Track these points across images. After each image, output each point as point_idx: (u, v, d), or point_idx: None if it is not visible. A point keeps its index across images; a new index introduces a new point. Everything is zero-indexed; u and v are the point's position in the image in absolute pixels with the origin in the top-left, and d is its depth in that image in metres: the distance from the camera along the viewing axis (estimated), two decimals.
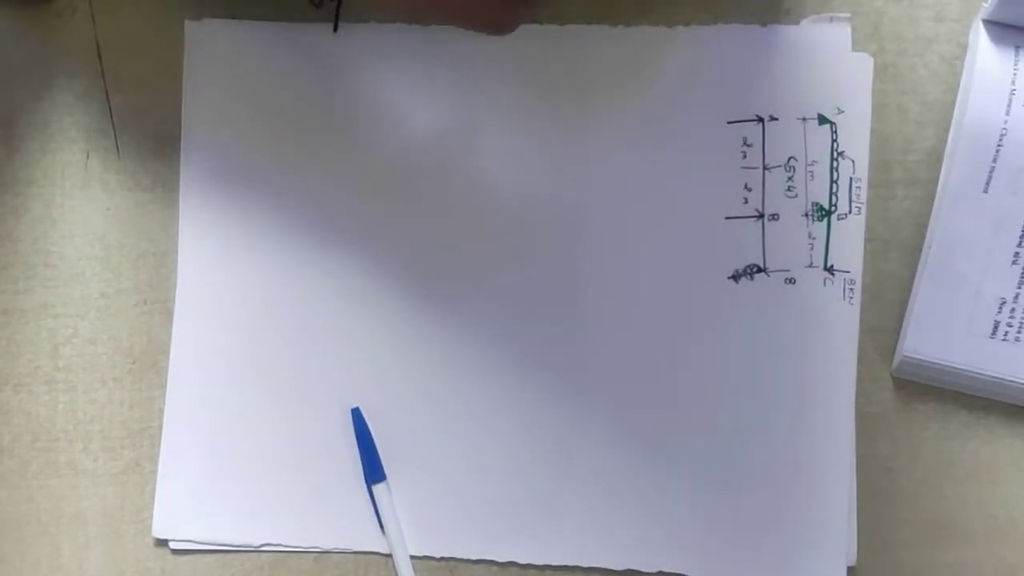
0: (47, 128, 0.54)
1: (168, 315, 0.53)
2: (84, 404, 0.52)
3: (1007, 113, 0.52)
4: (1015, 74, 0.52)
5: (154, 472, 0.52)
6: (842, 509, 0.50)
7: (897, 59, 0.54)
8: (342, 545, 0.51)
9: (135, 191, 0.54)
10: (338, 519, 0.51)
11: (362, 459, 0.51)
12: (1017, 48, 0.52)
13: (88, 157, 0.54)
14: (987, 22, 0.53)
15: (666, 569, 0.51)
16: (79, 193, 0.54)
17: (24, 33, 0.54)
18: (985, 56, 0.52)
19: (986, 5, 0.53)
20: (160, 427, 0.52)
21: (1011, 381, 0.50)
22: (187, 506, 0.51)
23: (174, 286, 0.53)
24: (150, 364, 0.53)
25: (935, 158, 0.53)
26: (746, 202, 0.53)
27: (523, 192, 0.53)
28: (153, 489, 0.52)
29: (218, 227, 0.53)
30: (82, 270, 0.53)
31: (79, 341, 0.53)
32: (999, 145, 0.52)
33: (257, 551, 0.51)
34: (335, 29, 0.50)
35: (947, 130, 0.53)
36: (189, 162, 0.53)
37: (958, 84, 0.53)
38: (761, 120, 0.53)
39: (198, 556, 0.51)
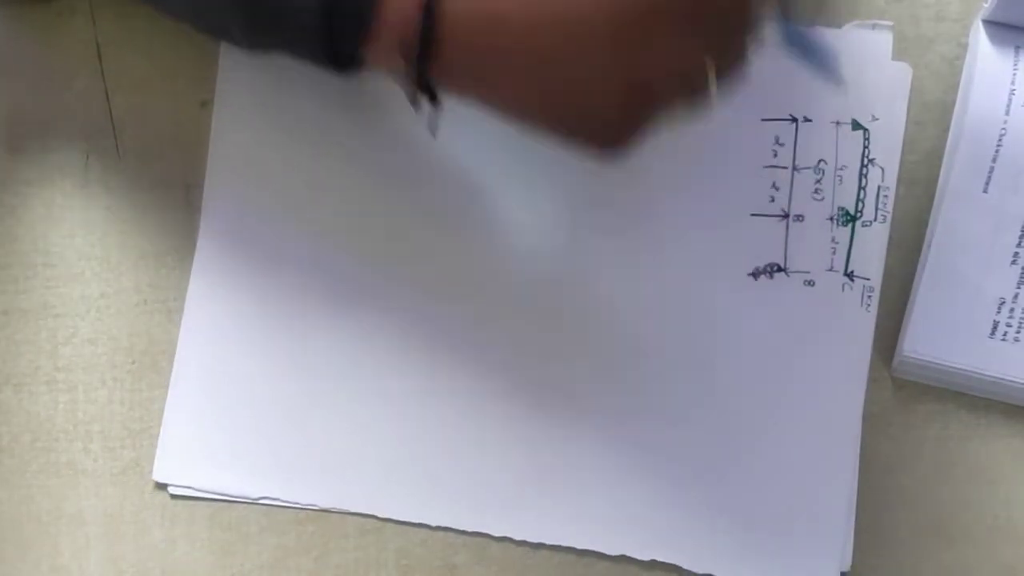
0: (47, 128, 0.54)
1: (168, 315, 0.53)
2: (84, 404, 0.52)
3: (1007, 113, 0.52)
4: (1015, 74, 0.52)
5: (153, 472, 0.52)
6: (840, 514, 0.50)
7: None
8: (341, 505, 0.51)
9: (135, 191, 0.54)
10: (338, 479, 0.51)
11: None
12: (1017, 48, 0.52)
13: (88, 157, 0.54)
14: (987, 22, 0.53)
15: (660, 559, 0.51)
16: (79, 193, 0.54)
17: (24, 33, 0.54)
18: (985, 56, 0.52)
19: (986, 5, 0.53)
20: (160, 427, 0.52)
21: (1010, 381, 0.50)
22: (189, 453, 0.52)
23: (174, 286, 0.53)
24: (150, 364, 0.53)
25: (935, 158, 0.53)
26: (772, 200, 0.53)
27: (545, 174, 0.53)
28: (153, 489, 0.52)
29: (239, 222, 0.53)
30: (82, 270, 0.53)
31: (79, 341, 0.53)
32: (999, 145, 0.52)
33: (254, 502, 0.52)
34: (434, 135, 0.47)
35: (947, 130, 0.53)
36: (216, 163, 0.54)
37: (958, 84, 0.53)
38: (795, 120, 0.53)
39: (198, 556, 0.51)
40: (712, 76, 0.41)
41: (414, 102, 0.44)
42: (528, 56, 0.41)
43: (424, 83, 0.43)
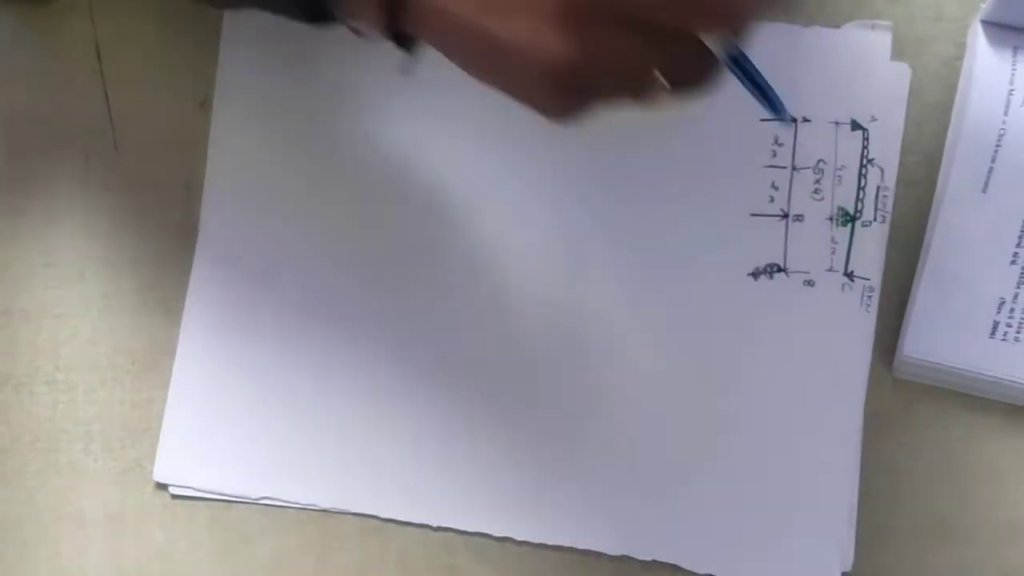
0: (47, 128, 0.54)
1: (168, 315, 0.53)
2: (84, 404, 0.52)
3: (1006, 113, 0.52)
4: (1013, 74, 0.52)
5: (153, 472, 0.52)
6: (841, 514, 0.51)
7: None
8: (341, 505, 0.51)
9: (135, 191, 0.54)
10: (339, 479, 0.51)
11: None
12: (1015, 48, 0.53)
13: (88, 157, 0.54)
14: (985, 23, 0.53)
15: (661, 559, 0.51)
16: (79, 193, 0.54)
17: (24, 33, 0.54)
18: (984, 56, 0.53)
19: (984, 5, 0.53)
20: (160, 427, 0.52)
21: (1011, 381, 0.50)
22: (190, 453, 0.52)
23: (174, 286, 0.53)
24: (150, 364, 0.52)
25: (935, 158, 0.53)
26: (772, 201, 0.53)
27: (545, 173, 0.53)
28: (154, 489, 0.52)
29: (239, 222, 0.53)
30: (82, 270, 0.53)
31: (79, 341, 0.53)
32: (998, 145, 0.52)
33: (255, 503, 0.52)
34: (407, 75, 0.46)
35: (946, 130, 0.53)
36: (216, 163, 0.54)
37: (957, 84, 0.54)
38: (794, 120, 0.53)
39: (198, 556, 0.51)
40: (661, 81, 0.39)
41: (398, 52, 0.43)
42: (473, 37, 0.40)
43: (396, 34, 0.42)
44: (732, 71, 0.41)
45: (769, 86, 0.41)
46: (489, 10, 0.39)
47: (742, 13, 0.37)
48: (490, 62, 0.40)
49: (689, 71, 0.39)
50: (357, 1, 0.42)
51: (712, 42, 0.38)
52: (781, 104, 0.42)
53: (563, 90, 0.39)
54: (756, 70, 0.41)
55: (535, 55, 0.38)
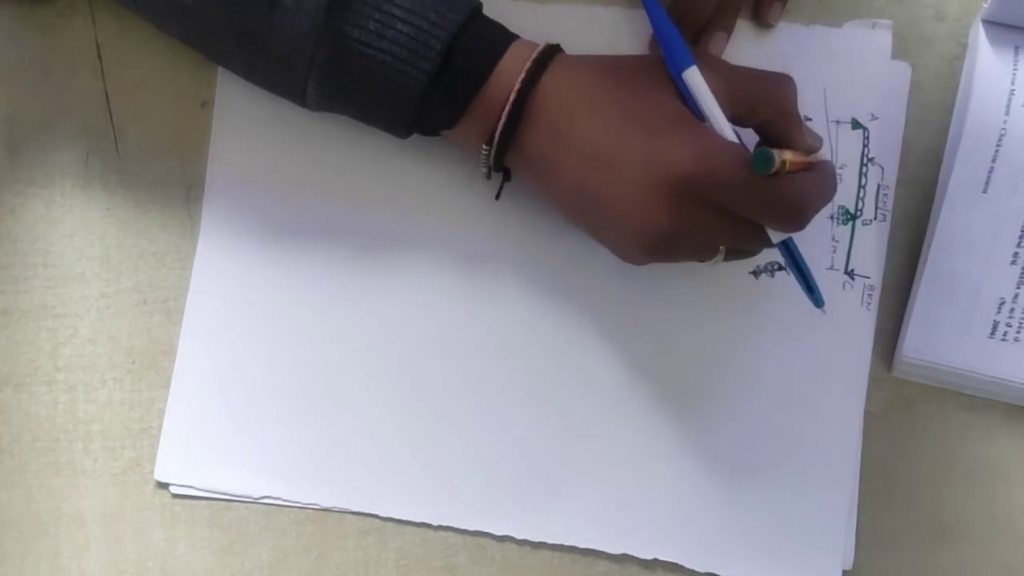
0: (47, 128, 0.54)
1: (168, 315, 0.53)
2: (84, 404, 0.52)
3: (1007, 113, 0.52)
4: (1015, 74, 0.52)
5: (153, 472, 0.52)
6: (841, 513, 0.51)
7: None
8: (341, 504, 0.51)
9: (135, 191, 0.54)
10: (339, 479, 0.52)
11: (663, 47, 0.48)
12: (1017, 48, 0.52)
13: (88, 157, 0.54)
14: (987, 22, 0.53)
15: (662, 557, 0.51)
16: (79, 193, 0.54)
17: (24, 33, 0.54)
18: (985, 56, 0.52)
19: (985, 5, 0.53)
20: (160, 427, 0.52)
21: (1010, 381, 0.50)
22: (191, 452, 0.52)
23: (174, 286, 0.53)
24: (150, 364, 0.52)
25: (935, 158, 0.53)
26: None
27: None
28: (153, 489, 0.52)
29: (239, 222, 0.53)
30: (82, 270, 0.53)
31: (79, 341, 0.53)
32: (998, 145, 0.52)
33: (255, 502, 0.51)
34: (497, 198, 0.52)
35: (947, 130, 0.53)
36: (216, 163, 0.54)
37: (958, 84, 0.54)
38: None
39: (198, 556, 0.51)
40: (720, 256, 0.48)
41: (487, 176, 0.50)
42: (578, 190, 0.47)
43: (498, 164, 0.49)
44: (783, 254, 0.48)
45: (810, 272, 0.48)
46: (600, 170, 0.46)
47: (808, 219, 0.46)
48: (587, 212, 0.48)
49: (747, 247, 0.48)
50: (462, 134, 0.49)
51: (772, 232, 0.46)
52: (818, 289, 0.48)
53: (650, 251, 0.47)
54: (801, 257, 0.48)
55: (639, 221, 0.46)
